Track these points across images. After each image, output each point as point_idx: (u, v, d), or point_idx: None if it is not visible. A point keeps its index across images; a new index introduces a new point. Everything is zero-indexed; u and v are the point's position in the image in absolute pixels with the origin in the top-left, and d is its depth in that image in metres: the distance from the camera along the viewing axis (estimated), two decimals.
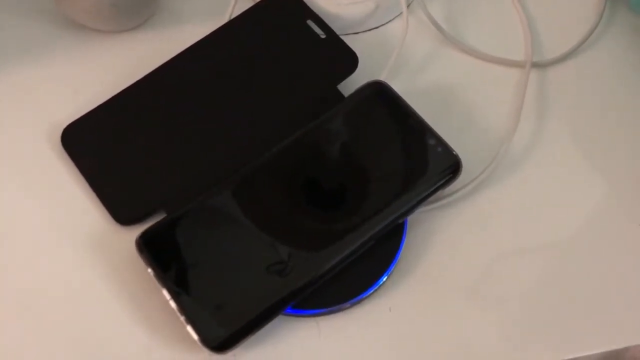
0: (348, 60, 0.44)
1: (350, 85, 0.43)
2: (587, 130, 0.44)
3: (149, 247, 0.38)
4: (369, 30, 0.47)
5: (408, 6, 0.47)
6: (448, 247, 0.41)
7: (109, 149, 0.42)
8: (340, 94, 0.43)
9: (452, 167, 0.40)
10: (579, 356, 0.38)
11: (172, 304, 0.37)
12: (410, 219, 0.40)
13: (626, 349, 0.39)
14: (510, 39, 0.47)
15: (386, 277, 0.39)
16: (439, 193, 0.40)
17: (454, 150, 0.40)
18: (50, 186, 0.42)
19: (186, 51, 0.45)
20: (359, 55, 0.44)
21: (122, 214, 0.41)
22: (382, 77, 0.44)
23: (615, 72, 0.46)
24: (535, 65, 0.46)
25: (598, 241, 0.41)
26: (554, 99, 0.45)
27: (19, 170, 0.42)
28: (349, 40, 0.45)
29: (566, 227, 0.41)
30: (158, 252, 0.38)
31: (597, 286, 0.40)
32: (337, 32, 0.45)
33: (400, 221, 0.40)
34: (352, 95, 0.42)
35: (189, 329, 0.36)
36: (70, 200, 0.42)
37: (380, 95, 0.42)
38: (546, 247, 0.41)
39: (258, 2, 0.46)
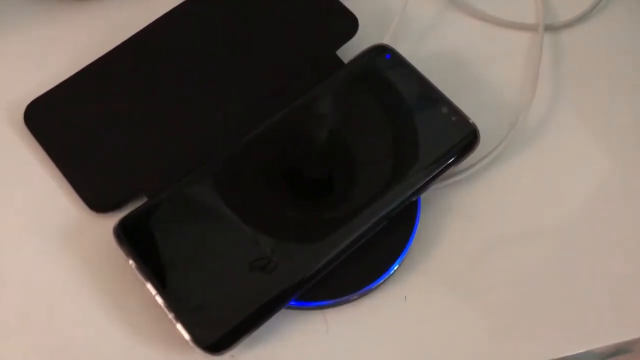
0: (347, 24, 0.40)
1: (349, 52, 0.39)
2: (604, 96, 0.41)
3: (129, 236, 0.34)
4: None
5: None
6: (465, 226, 0.37)
7: (80, 127, 0.38)
8: (339, 60, 0.39)
9: (468, 137, 0.36)
10: (594, 347, 0.35)
11: (159, 299, 0.33)
12: (423, 197, 0.37)
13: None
14: (519, 1, 0.44)
15: (399, 264, 0.35)
16: (453, 168, 0.37)
17: (470, 119, 0.37)
18: (14, 171, 0.38)
19: (163, 18, 0.40)
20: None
21: (96, 200, 0.36)
22: (385, 42, 0.40)
23: (631, 33, 0.43)
24: (548, 28, 0.43)
25: (620, 218, 0.38)
26: (569, 64, 0.42)
27: None
28: (345, 4, 0.41)
29: (588, 203, 0.38)
30: (140, 242, 0.34)
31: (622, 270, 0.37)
32: None
33: (414, 199, 0.36)
34: (353, 61, 0.38)
35: (179, 327, 0.32)
36: (37, 187, 0.37)
37: (385, 60, 0.38)
38: (569, 226, 0.37)
39: None
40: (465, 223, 0.37)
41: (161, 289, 0.33)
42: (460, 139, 0.36)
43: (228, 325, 0.32)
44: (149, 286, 0.33)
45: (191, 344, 0.32)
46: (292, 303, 0.34)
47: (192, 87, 0.39)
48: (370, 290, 0.35)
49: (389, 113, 0.37)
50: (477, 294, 0.36)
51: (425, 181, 0.35)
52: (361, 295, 0.35)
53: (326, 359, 0.34)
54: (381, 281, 0.35)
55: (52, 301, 0.35)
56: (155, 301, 0.33)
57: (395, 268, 0.35)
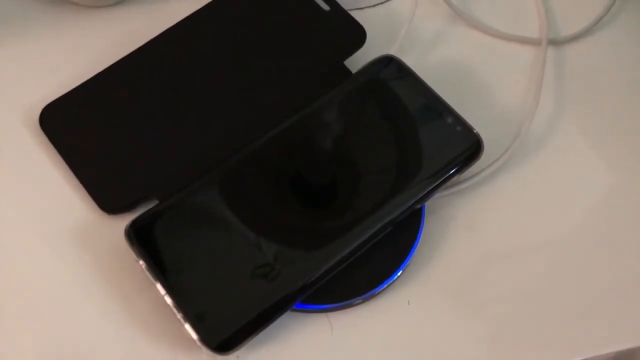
0: (355, 34, 0.40)
1: (357, 62, 0.40)
2: (607, 108, 0.42)
3: (140, 237, 0.35)
4: (374, 5, 0.44)
5: None
6: (468, 234, 0.37)
7: (93, 131, 0.38)
8: (347, 71, 0.40)
9: (472, 146, 0.37)
10: (594, 355, 0.36)
11: (168, 299, 0.33)
12: (427, 205, 0.37)
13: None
14: (523, 15, 0.45)
15: (403, 270, 0.36)
16: (457, 176, 0.37)
17: (474, 129, 0.37)
18: (28, 173, 0.38)
19: (176, 26, 0.41)
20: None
21: (108, 201, 0.37)
22: (392, 53, 0.41)
23: (633, 48, 0.44)
24: (551, 42, 0.43)
25: (621, 230, 0.38)
26: (572, 78, 0.43)
27: None
28: (354, 15, 0.42)
29: (589, 214, 0.38)
30: (150, 243, 0.34)
31: (622, 279, 0.37)
32: None
33: (418, 207, 0.36)
34: (360, 71, 0.39)
35: (188, 327, 0.33)
36: (51, 188, 0.38)
37: (391, 70, 0.39)
38: (570, 237, 0.38)
39: None
40: (468, 231, 0.37)
41: (170, 289, 0.33)
42: (465, 148, 0.37)
43: (235, 326, 0.33)
44: (159, 286, 0.33)
45: (199, 343, 0.32)
46: (297, 306, 0.34)
47: (203, 94, 0.39)
48: (374, 295, 0.35)
49: (394, 122, 0.38)
50: (478, 301, 0.36)
51: (429, 189, 0.36)
52: (365, 300, 0.35)
53: None
54: (385, 286, 0.35)
55: (62, 300, 0.35)
56: (164, 301, 0.34)
57: (399, 274, 0.36)
